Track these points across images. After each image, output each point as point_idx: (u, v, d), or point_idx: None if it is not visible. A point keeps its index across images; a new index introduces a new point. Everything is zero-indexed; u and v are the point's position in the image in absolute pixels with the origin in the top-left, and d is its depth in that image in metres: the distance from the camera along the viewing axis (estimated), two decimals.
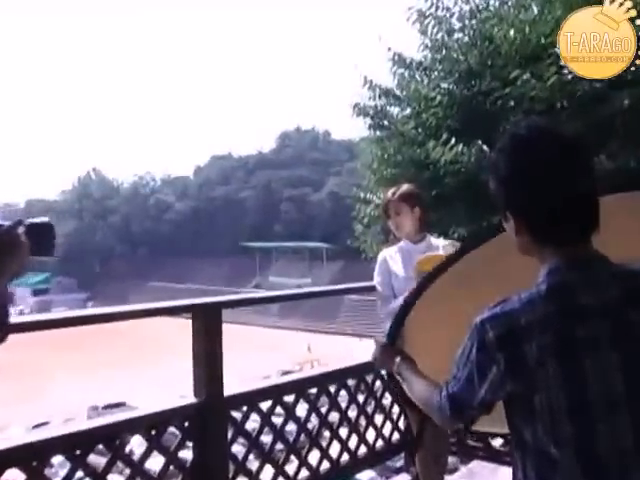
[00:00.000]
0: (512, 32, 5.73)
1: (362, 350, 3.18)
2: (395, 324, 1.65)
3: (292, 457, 2.81)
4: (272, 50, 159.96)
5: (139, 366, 27.79)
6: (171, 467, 2.34)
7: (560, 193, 1.08)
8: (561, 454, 1.04)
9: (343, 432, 3.07)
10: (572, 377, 1.04)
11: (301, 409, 2.86)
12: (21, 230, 1.05)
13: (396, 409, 3.36)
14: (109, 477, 2.13)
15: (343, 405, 3.08)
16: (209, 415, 2.44)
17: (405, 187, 2.83)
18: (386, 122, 7.23)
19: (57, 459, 2.26)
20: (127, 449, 2.27)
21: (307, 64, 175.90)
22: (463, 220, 6.02)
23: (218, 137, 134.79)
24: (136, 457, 2.27)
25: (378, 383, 3.29)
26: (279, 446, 2.75)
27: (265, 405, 2.70)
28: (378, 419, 3.29)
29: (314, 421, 2.96)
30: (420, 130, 6.70)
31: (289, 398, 2.83)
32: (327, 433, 3.02)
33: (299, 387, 2.90)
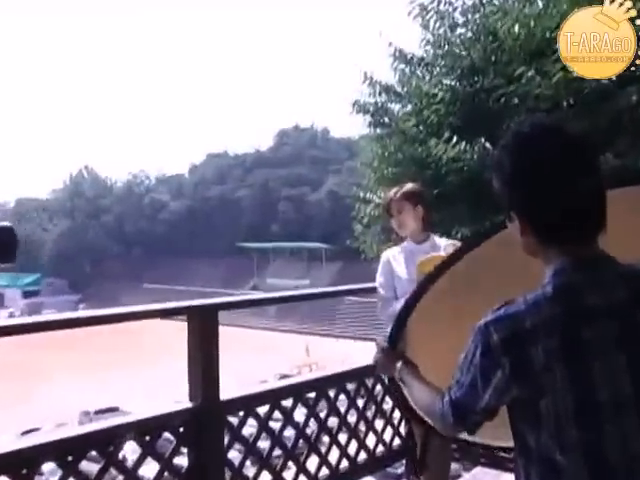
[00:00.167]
0: (516, 27, 5.72)
1: (362, 353, 3.18)
2: (397, 327, 1.64)
3: (290, 463, 2.81)
4: (270, 45, 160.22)
5: (133, 370, 27.76)
6: (166, 474, 2.33)
7: (566, 192, 1.08)
8: (567, 460, 1.04)
9: (342, 437, 3.07)
10: (580, 380, 1.04)
11: (299, 414, 2.86)
12: None
13: (397, 414, 3.35)
14: None
15: (342, 410, 3.08)
16: (205, 420, 2.43)
17: (408, 185, 2.85)
18: (387, 119, 7.23)
19: (48, 466, 2.26)
20: (120, 455, 2.26)
21: (305, 60, 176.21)
22: (466, 220, 6.02)
23: (214, 134, 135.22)
24: (129, 464, 2.26)
25: (378, 387, 3.29)
26: (277, 452, 2.75)
27: (262, 410, 2.70)
28: (378, 424, 3.29)
29: (313, 426, 2.95)
30: (421, 128, 6.70)
31: (287, 402, 2.83)
32: (326, 438, 3.02)
33: (297, 391, 2.90)
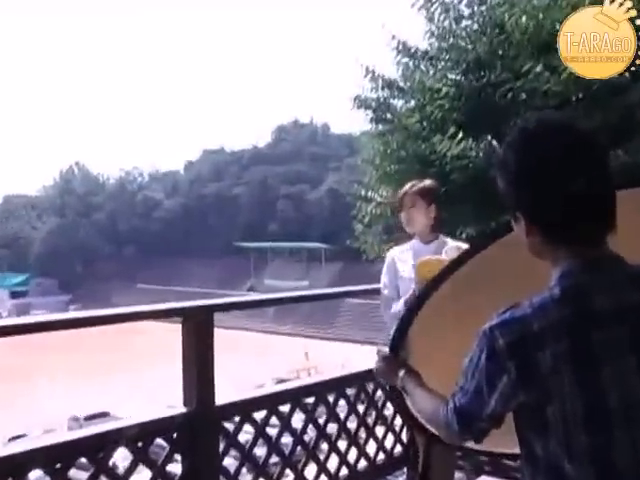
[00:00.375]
0: (524, 19, 5.72)
1: (362, 357, 3.18)
2: (398, 334, 1.64)
3: (287, 471, 2.81)
4: (268, 39, 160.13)
5: (124, 373, 27.77)
6: None
7: (573, 191, 1.08)
8: (575, 468, 1.04)
9: (342, 444, 3.07)
10: (589, 384, 1.04)
11: (297, 420, 2.86)
12: None
13: (398, 420, 3.35)
14: None
15: (342, 415, 3.08)
16: (199, 426, 2.43)
17: (426, 182, 2.85)
18: (389, 115, 7.23)
19: (35, 474, 2.25)
20: (111, 462, 2.26)
21: (305, 53, 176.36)
22: (471, 219, 6.02)
23: (210, 130, 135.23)
24: (120, 471, 2.26)
25: (379, 392, 3.29)
26: (274, 459, 2.75)
27: (259, 415, 2.70)
28: (379, 431, 3.29)
29: (311, 433, 2.95)
30: (425, 124, 6.70)
31: (285, 408, 2.83)
32: (325, 445, 3.02)
33: (295, 396, 2.90)
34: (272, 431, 2.74)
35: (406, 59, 7.09)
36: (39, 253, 59.58)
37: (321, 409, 2.99)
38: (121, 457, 2.50)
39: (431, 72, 6.95)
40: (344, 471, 3.06)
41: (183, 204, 61.46)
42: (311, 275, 49.79)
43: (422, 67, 7.08)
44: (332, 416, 3.04)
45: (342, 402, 3.09)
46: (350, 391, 3.14)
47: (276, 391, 3.08)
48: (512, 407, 1.11)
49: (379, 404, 3.30)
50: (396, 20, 7.54)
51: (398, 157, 6.85)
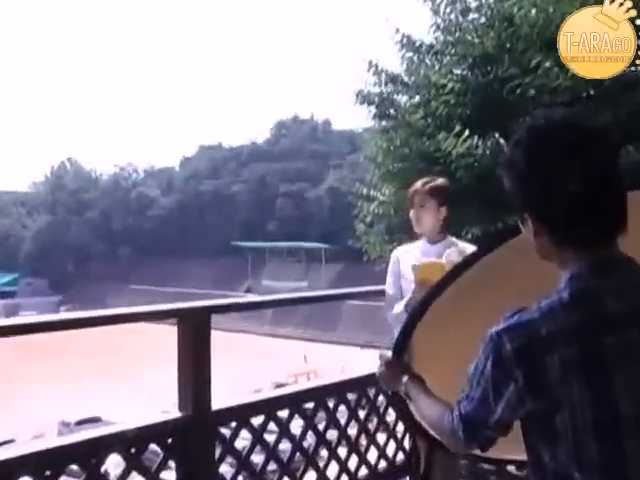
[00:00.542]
0: (534, 12, 5.72)
1: (364, 361, 3.19)
2: (402, 338, 1.64)
3: (286, 479, 2.81)
4: (267, 31, 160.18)
5: (117, 377, 27.77)
6: None
7: (583, 190, 1.07)
8: (586, 479, 1.04)
9: (342, 451, 3.07)
10: (600, 392, 1.04)
11: (296, 426, 2.86)
12: None
13: (400, 427, 3.36)
14: None
15: (342, 421, 3.07)
16: (195, 431, 2.43)
17: (439, 181, 2.81)
18: (392, 111, 7.23)
19: None
20: (102, 469, 2.26)
21: (306, 46, 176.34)
22: (477, 219, 6.02)
23: (207, 125, 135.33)
24: (112, 478, 2.26)
25: (381, 398, 3.29)
26: (272, 467, 2.75)
27: (257, 421, 2.70)
28: (381, 437, 3.29)
29: (310, 439, 2.95)
30: (430, 120, 6.70)
31: (283, 413, 2.83)
32: (324, 452, 3.02)
33: (294, 401, 2.90)
34: (270, 437, 2.74)
35: (410, 53, 7.09)
36: (29, 252, 59.62)
37: (321, 415, 2.99)
38: (113, 464, 2.50)
39: (436, 67, 6.94)
40: (344, 479, 3.06)
41: (179, 202, 61.49)
42: (310, 276, 49.81)
43: (427, 61, 7.08)
44: (332, 422, 3.04)
45: (342, 407, 3.09)
46: (351, 396, 3.14)
47: (274, 396, 3.07)
48: (519, 415, 1.11)
49: (381, 410, 3.30)
50: (400, 13, 7.56)
51: (401, 155, 6.85)
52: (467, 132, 5.99)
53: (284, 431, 2.81)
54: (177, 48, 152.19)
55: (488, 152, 5.91)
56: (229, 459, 2.60)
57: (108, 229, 62.50)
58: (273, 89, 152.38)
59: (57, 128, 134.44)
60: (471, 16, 6.83)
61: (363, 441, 3.21)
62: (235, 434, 2.62)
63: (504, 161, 1.19)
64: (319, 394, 3.03)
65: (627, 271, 1.11)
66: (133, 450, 2.28)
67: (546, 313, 1.07)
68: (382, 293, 2.96)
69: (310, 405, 2.95)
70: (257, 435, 2.69)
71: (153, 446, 2.37)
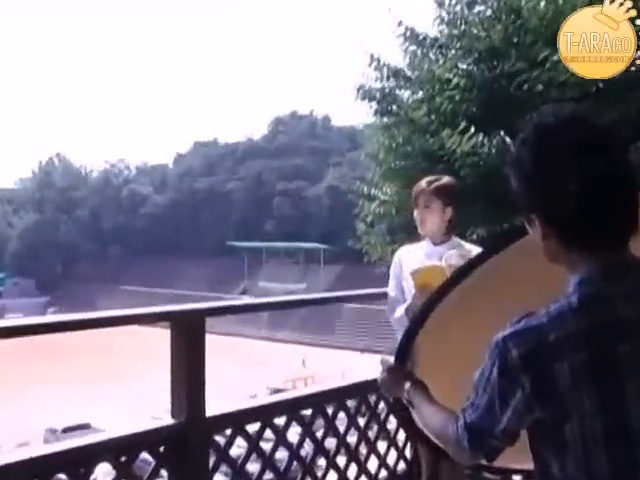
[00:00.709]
0: (542, 4, 5.74)
1: (364, 366, 3.19)
2: (404, 343, 1.64)
3: None
4: (264, 24, 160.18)
5: (106, 382, 27.73)
6: None
7: (591, 190, 1.07)
8: None
9: (341, 460, 3.07)
10: (610, 401, 1.04)
11: (293, 433, 2.85)
12: None
13: (402, 435, 3.35)
14: None
15: (341, 429, 3.07)
16: (188, 439, 2.43)
17: (445, 180, 2.79)
18: (395, 107, 7.25)
19: None
20: (92, 478, 2.26)
21: (305, 39, 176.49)
22: (482, 220, 6.03)
23: (202, 121, 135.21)
24: None
25: (382, 405, 3.29)
26: (268, 476, 2.74)
27: (252, 428, 2.70)
28: (381, 446, 3.28)
29: (308, 447, 2.95)
30: (433, 117, 6.71)
31: (280, 420, 2.82)
32: (323, 461, 3.02)
33: (291, 408, 2.90)
34: (266, 445, 2.74)
35: (414, 47, 7.11)
36: (15, 251, 59.57)
37: (319, 422, 2.99)
38: (102, 473, 2.50)
39: (441, 61, 6.96)
40: None
41: (172, 200, 61.47)
42: (309, 278, 49.85)
43: (431, 55, 7.09)
44: (331, 429, 3.04)
45: (342, 414, 3.09)
46: (350, 403, 3.14)
47: (271, 402, 3.07)
48: (527, 424, 1.10)
49: (381, 417, 3.30)
50: (403, 4, 7.58)
51: (404, 152, 6.87)
52: (472, 129, 6.00)
53: (281, 439, 2.81)
54: (171, 40, 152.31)
55: (494, 150, 5.93)
56: (223, 468, 2.59)
57: (98, 228, 62.48)
58: (270, 83, 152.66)
59: (45, 122, 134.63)
60: (477, 8, 6.86)
61: (363, 449, 3.20)
62: (230, 442, 2.61)
63: (510, 160, 1.18)
64: (317, 400, 3.03)
65: (639, 274, 1.10)
66: (123, 459, 2.28)
67: (555, 318, 1.06)
68: (383, 296, 2.97)
69: (308, 412, 2.95)
70: (253, 443, 2.69)
71: (144, 454, 2.36)
